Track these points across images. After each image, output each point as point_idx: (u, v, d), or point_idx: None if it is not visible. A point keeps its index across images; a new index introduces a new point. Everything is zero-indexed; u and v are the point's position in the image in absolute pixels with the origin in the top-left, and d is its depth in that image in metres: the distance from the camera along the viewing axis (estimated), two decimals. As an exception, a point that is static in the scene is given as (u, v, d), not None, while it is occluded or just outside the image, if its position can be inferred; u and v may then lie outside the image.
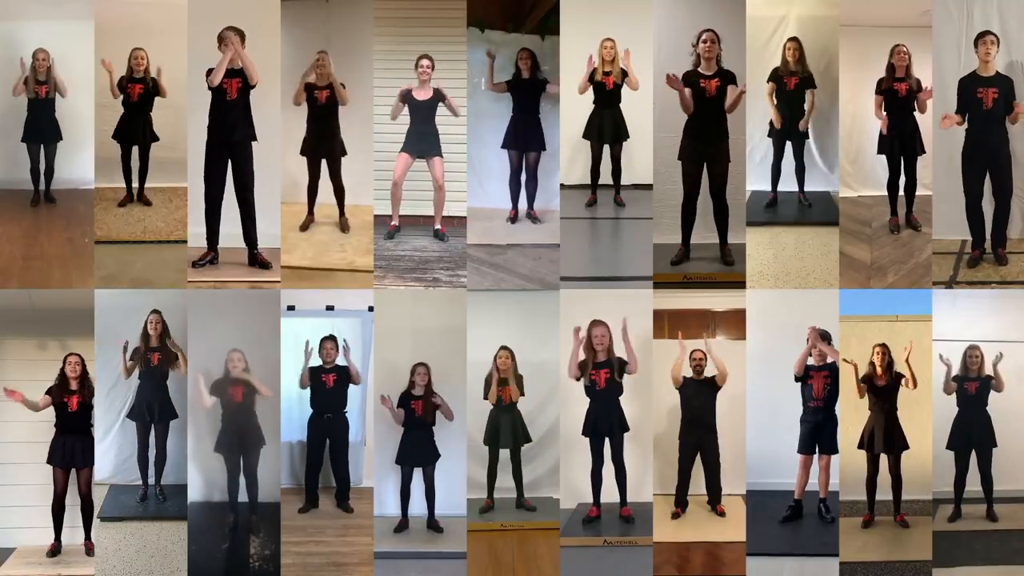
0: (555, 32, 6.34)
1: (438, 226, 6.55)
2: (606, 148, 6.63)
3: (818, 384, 5.99)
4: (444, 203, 6.54)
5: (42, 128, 6.35)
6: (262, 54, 6.01)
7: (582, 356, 6.00)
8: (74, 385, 5.96)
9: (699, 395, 6.16)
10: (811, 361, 6.02)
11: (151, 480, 6.20)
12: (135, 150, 6.39)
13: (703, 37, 6.00)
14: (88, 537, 6.02)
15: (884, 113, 6.25)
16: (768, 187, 6.55)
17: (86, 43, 6.07)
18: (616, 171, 6.65)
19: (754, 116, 6.45)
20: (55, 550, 6.02)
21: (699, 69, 6.03)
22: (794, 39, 6.42)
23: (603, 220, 6.57)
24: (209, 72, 5.97)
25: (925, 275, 5.98)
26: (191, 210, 6.14)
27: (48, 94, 6.32)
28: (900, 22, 6.22)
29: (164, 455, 6.21)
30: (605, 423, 6.02)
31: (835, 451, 6.00)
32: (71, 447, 5.96)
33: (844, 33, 6.23)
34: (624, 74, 6.46)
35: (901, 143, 6.25)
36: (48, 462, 5.97)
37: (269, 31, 6.05)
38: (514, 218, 6.68)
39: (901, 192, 6.32)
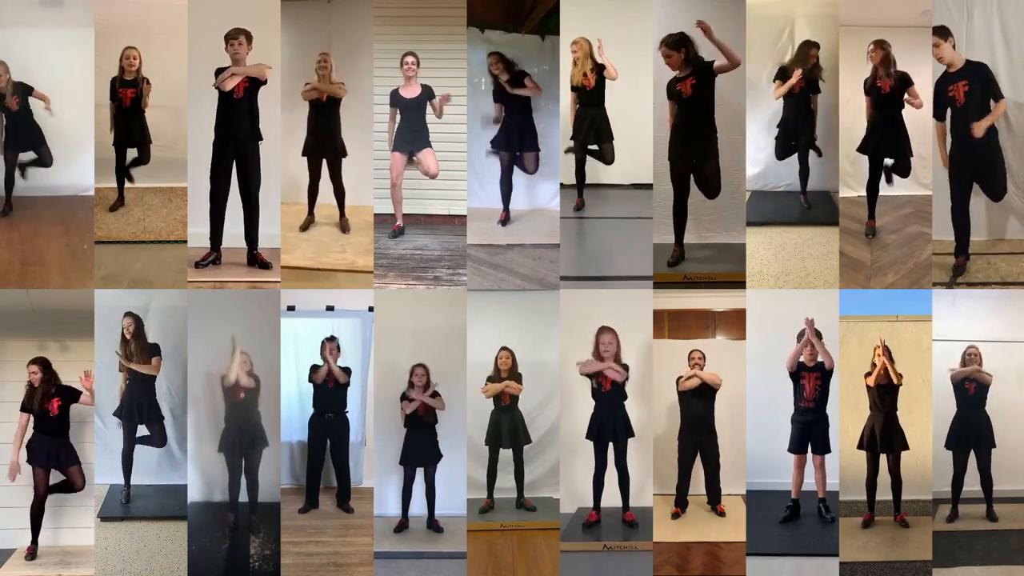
0: (555, 32, 6.34)
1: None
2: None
3: (809, 385, 5.99)
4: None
5: (20, 138, 6.30)
6: (262, 54, 6.01)
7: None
8: (43, 389, 5.92)
9: (698, 396, 6.16)
10: (803, 360, 6.01)
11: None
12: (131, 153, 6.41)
13: (661, 50, 5.93)
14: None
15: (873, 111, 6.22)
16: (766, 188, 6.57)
17: (86, 48, 6.07)
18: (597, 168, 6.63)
19: (754, 116, 6.46)
20: (32, 553, 5.98)
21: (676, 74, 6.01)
22: (815, 44, 6.37)
23: (603, 220, 6.57)
24: (218, 72, 5.97)
25: (925, 275, 5.98)
26: (191, 210, 6.14)
27: (20, 104, 6.27)
28: (900, 22, 6.21)
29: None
30: (609, 428, 6.02)
31: (827, 451, 6.00)
32: (55, 448, 5.93)
33: (844, 33, 6.23)
34: (601, 68, 6.44)
35: (884, 143, 6.19)
36: (28, 462, 5.94)
37: (269, 31, 6.05)
38: (505, 220, 6.67)
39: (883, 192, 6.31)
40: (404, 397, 6.09)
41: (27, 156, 6.35)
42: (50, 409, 5.92)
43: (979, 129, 5.85)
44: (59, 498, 6.03)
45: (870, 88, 6.17)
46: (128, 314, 6.08)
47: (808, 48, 6.40)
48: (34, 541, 6.00)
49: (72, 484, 5.98)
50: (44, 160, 6.37)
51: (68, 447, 5.98)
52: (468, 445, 6.08)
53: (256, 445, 6.00)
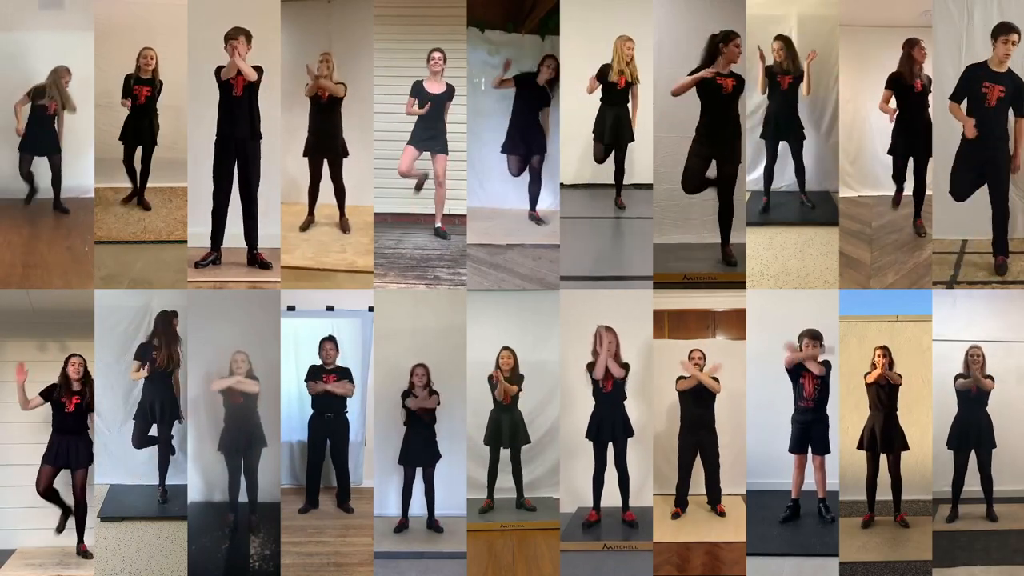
0: (555, 32, 6.34)
1: (439, 224, 6.55)
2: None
3: (809, 384, 5.98)
4: (444, 200, 6.54)
5: (39, 140, 6.30)
6: (262, 54, 6.01)
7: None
8: (76, 387, 5.94)
9: (697, 400, 6.16)
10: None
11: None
12: (138, 151, 6.41)
13: (735, 41, 5.87)
14: (81, 540, 6.00)
15: (895, 108, 6.19)
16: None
17: (86, 51, 6.07)
18: (619, 173, 6.63)
19: (754, 116, 6.47)
20: (62, 526, 6.03)
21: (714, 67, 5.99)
22: (780, 37, 6.40)
23: (603, 220, 6.57)
24: (217, 71, 5.99)
25: (925, 275, 5.98)
26: (191, 210, 6.14)
27: (55, 110, 6.29)
28: (900, 22, 6.21)
29: (167, 456, 6.20)
30: (609, 427, 6.02)
31: (826, 451, 5.99)
32: (66, 447, 5.92)
33: (844, 33, 6.23)
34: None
35: (911, 141, 6.19)
36: (44, 462, 5.94)
37: (269, 31, 6.05)
38: (536, 217, 6.70)
39: (907, 193, 6.32)
40: (406, 395, 6.09)
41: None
42: (66, 405, 5.91)
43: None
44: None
45: (902, 85, 6.14)
46: (177, 313, 6.09)
47: (772, 43, 6.40)
48: (64, 516, 6.03)
49: (73, 486, 5.96)
50: (55, 167, 6.35)
51: (81, 448, 5.95)
52: (468, 445, 6.09)
53: (255, 445, 6.00)
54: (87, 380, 5.96)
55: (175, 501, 6.13)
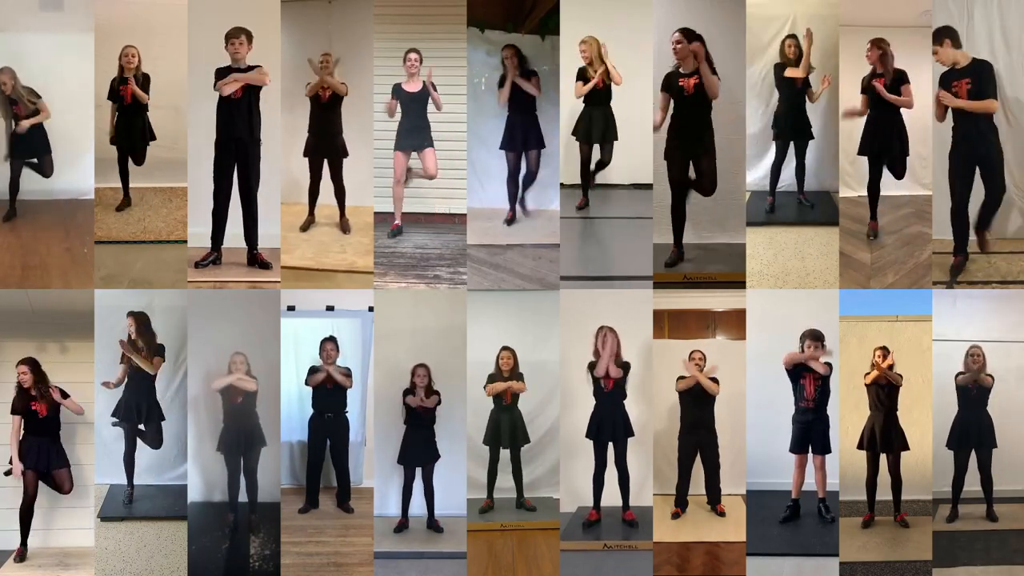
0: (555, 32, 6.34)
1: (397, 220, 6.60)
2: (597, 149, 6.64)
3: (810, 385, 5.98)
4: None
5: (27, 145, 6.28)
6: (262, 54, 6.02)
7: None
8: (34, 392, 5.90)
9: (696, 401, 6.16)
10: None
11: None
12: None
13: (673, 37, 5.93)
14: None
15: (867, 111, 6.21)
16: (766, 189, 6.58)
17: (86, 52, 6.06)
18: (594, 173, 6.63)
19: (754, 117, 6.46)
20: (22, 555, 5.94)
21: (680, 70, 5.99)
22: (793, 36, 6.41)
23: (602, 220, 6.57)
24: (217, 74, 5.99)
25: (925, 275, 5.98)
26: (191, 210, 6.14)
27: (25, 112, 6.26)
28: (900, 22, 6.21)
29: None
30: (609, 427, 6.02)
31: (827, 451, 6.00)
32: (45, 449, 5.90)
33: (844, 33, 6.23)
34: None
35: (883, 142, 6.19)
36: (24, 466, 5.90)
37: (269, 31, 6.05)
38: (511, 220, 6.66)
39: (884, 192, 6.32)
40: (407, 393, 6.09)
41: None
42: (39, 411, 5.89)
43: (947, 99, 5.84)
44: (58, 498, 6.03)
45: (866, 87, 6.17)
46: (129, 314, 6.06)
47: (784, 41, 6.44)
48: (23, 543, 5.96)
49: (59, 487, 5.96)
50: (44, 170, 6.34)
51: (58, 449, 5.95)
52: (468, 445, 6.09)
53: (254, 445, 6.00)
54: (43, 382, 5.91)
55: (175, 500, 6.12)
